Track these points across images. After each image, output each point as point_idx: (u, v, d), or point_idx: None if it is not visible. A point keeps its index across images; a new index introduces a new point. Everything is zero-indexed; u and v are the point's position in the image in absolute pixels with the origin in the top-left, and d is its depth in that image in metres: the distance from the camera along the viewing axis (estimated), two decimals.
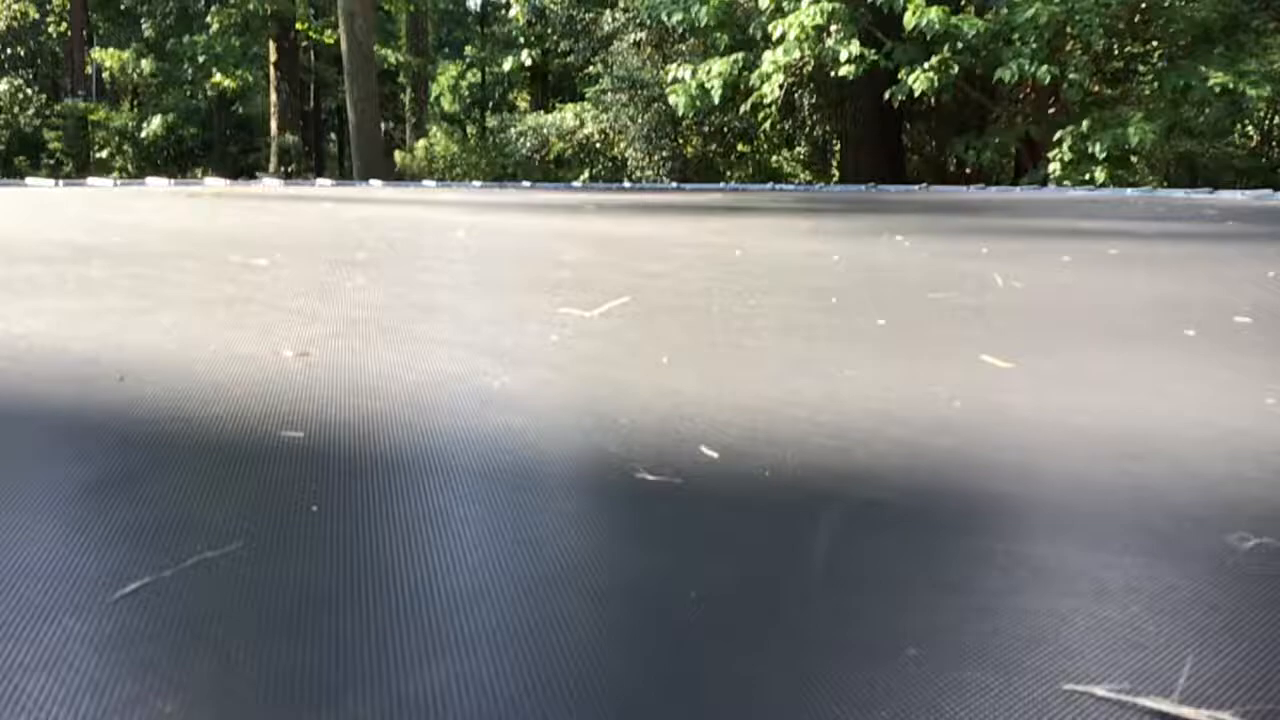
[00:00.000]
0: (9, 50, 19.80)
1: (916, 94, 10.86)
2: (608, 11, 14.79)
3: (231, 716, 0.70)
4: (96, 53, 19.01)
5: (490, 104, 21.97)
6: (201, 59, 17.64)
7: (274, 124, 18.13)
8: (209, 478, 1.18)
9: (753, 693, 0.76)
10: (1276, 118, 12.98)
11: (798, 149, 16.75)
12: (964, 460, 1.30)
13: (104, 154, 18.84)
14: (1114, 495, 1.18)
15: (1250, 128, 13.88)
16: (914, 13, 10.32)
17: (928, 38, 10.54)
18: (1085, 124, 10.27)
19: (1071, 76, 10.82)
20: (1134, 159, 11.26)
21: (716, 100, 11.79)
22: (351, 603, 0.87)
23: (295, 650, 0.79)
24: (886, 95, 11.16)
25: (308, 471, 1.21)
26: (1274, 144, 13.78)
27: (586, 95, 15.84)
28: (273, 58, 18.11)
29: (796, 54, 10.98)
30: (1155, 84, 11.01)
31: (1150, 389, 1.70)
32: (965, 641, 0.83)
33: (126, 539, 1.00)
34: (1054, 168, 10.64)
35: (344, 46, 13.91)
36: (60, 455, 1.26)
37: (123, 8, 20.30)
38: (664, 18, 12.02)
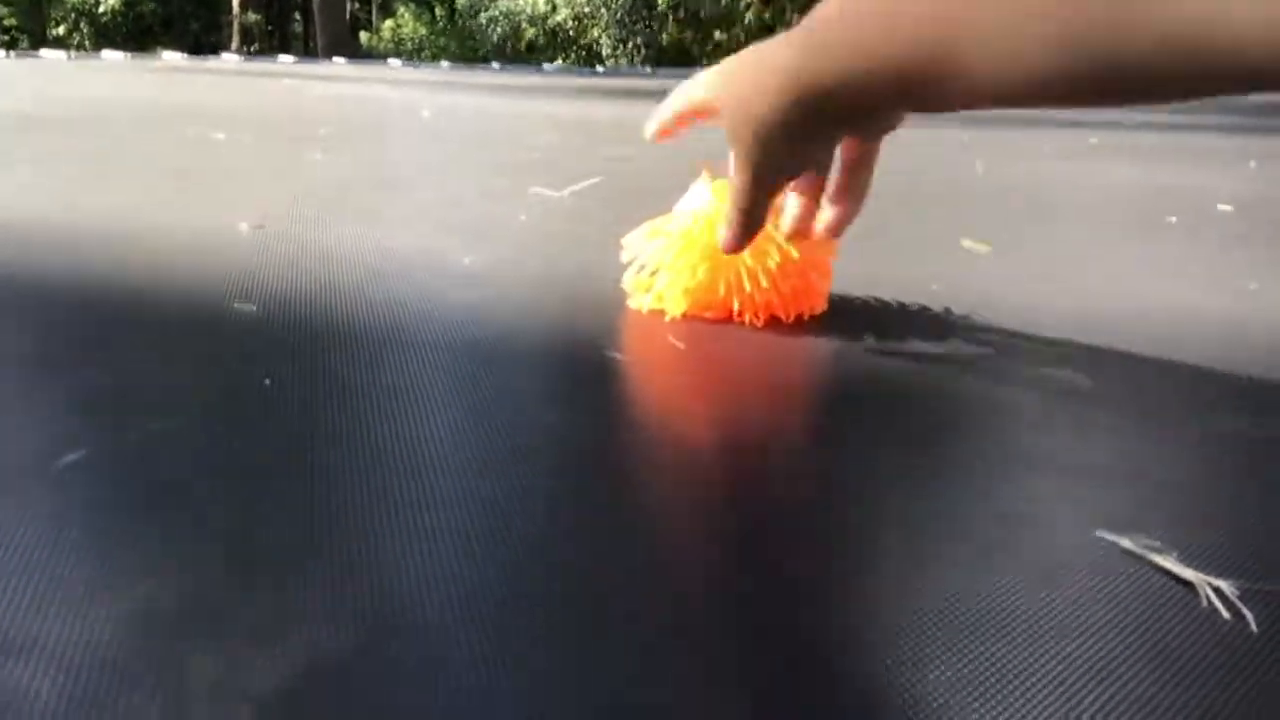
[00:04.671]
0: None
1: None
2: None
3: (174, 591, 0.66)
4: None
5: None
6: None
7: (236, 1, 17.52)
8: (156, 351, 1.12)
9: (723, 565, 0.73)
10: None
11: None
12: (942, 344, 1.26)
13: (60, 30, 18.19)
14: (1100, 379, 1.15)
15: None
16: None
17: None
18: None
19: None
20: None
21: None
22: (303, 475, 0.83)
23: (243, 523, 0.75)
24: None
25: (261, 345, 1.16)
26: None
27: None
28: None
29: None
30: None
31: (1133, 272, 1.67)
32: (942, 523, 0.81)
33: (68, 411, 0.94)
34: None
35: None
36: (2, 326, 1.20)
37: None
38: None
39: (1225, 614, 0.71)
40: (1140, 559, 0.77)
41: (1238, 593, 0.73)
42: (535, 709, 0.57)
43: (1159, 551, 0.78)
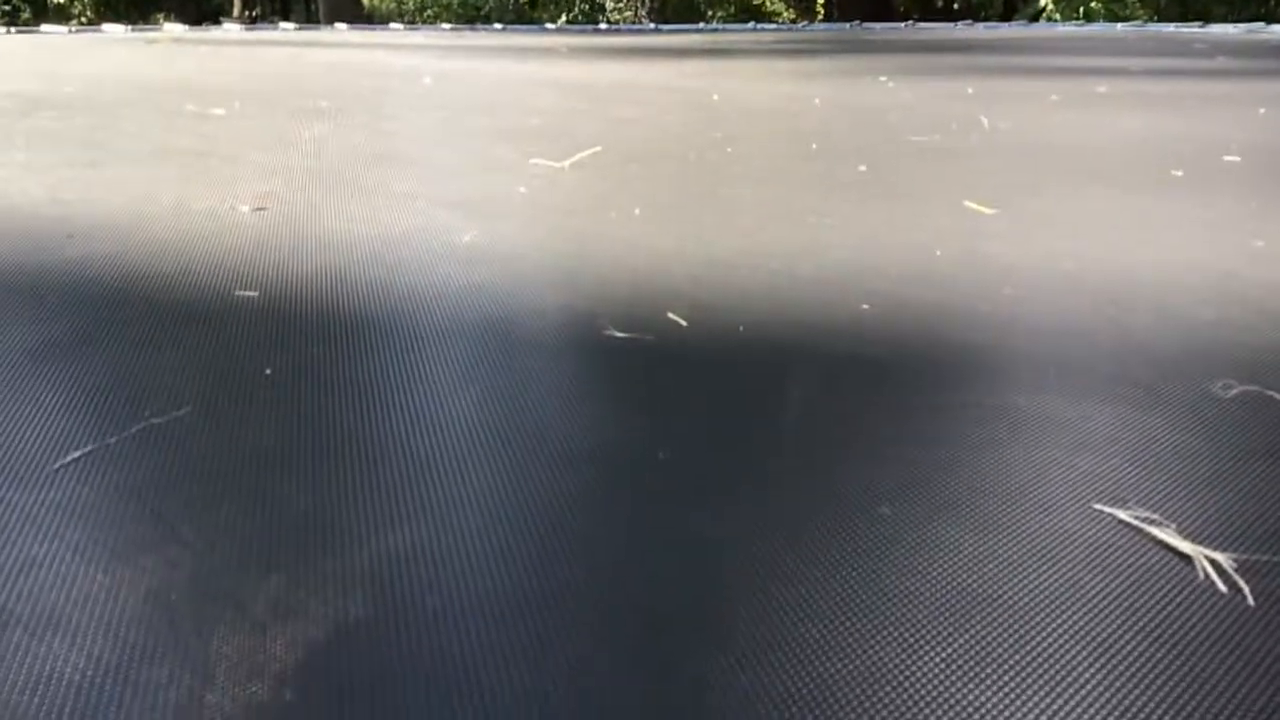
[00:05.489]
0: None
1: None
2: None
3: (175, 588, 0.67)
4: None
5: None
6: None
7: None
8: (158, 340, 1.13)
9: (720, 553, 0.73)
10: None
11: None
12: (945, 311, 1.26)
13: (62, 0, 18.05)
14: (1097, 344, 1.15)
15: None
16: None
17: None
18: None
19: None
20: None
21: None
22: (307, 469, 0.83)
23: (245, 518, 0.76)
24: None
25: (263, 332, 1.16)
26: None
27: None
28: None
29: None
30: None
31: (1136, 232, 1.66)
32: (939, 497, 0.81)
33: (70, 405, 0.95)
34: (1046, 2, 10.30)
35: None
36: (3, 318, 1.21)
37: None
38: None
39: (1222, 586, 0.72)
40: (1138, 531, 0.77)
41: (1235, 565, 0.73)
42: (535, 702, 0.58)
43: (1157, 524, 0.78)
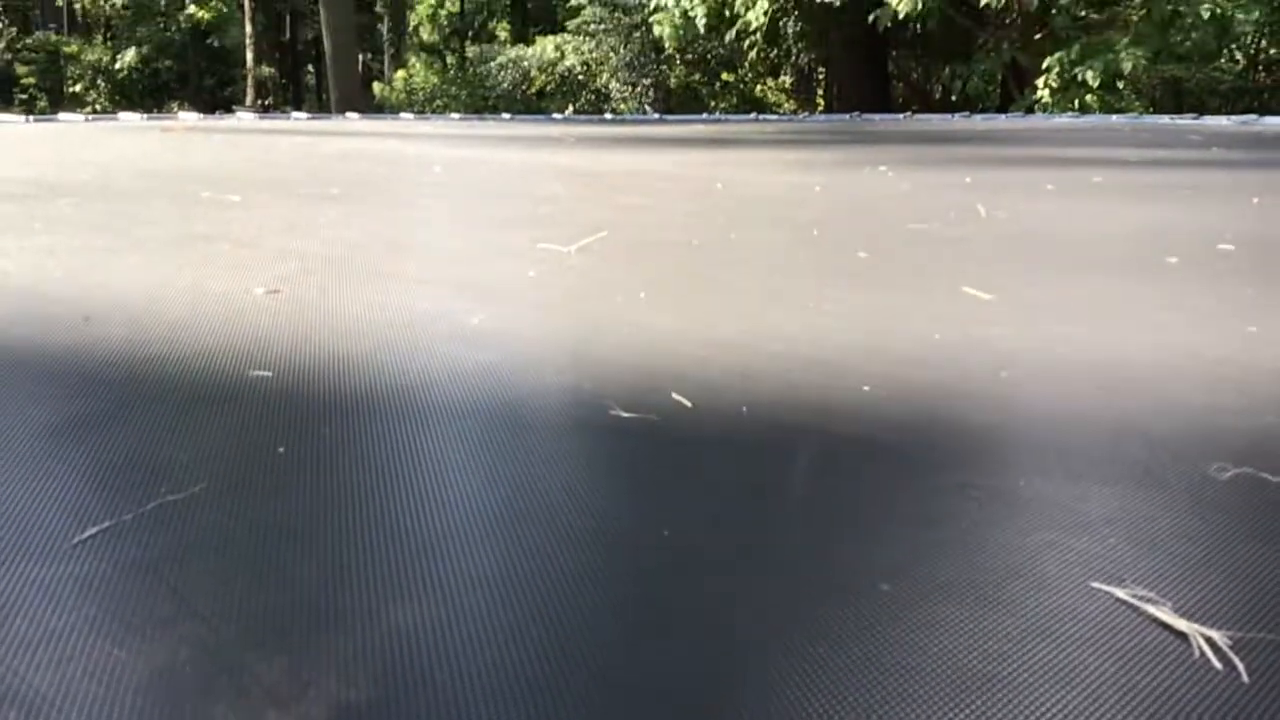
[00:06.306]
0: None
1: (901, 17, 10.68)
2: None
3: (189, 662, 0.69)
4: None
5: (470, 34, 21.56)
6: None
7: (250, 56, 17.79)
8: (173, 419, 1.16)
9: (725, 630, 0.75)
10: (1264, 41, 12.82)
11: (783, 78, 16.53)
12: (943, 393, 1.28)
13: (78, 88, 18.47)
14: (1094, 427, 1.17)
15: (1238, 52, 13.72)
16: None
17: None
18: (1075, 50, 10.13)
19: (1060, 1, 10.66)
20: (1120, 84, 11.13)
21: (701, 28, 11.60)
22: (318, 546, 0.85)
23: (258, 595, 0.77)
24: (871, 18, 10.97)
25: (276, 412, 1.19)
26: (1260, 68, 13.65)
27: (567, 27, 15.56)
28: None
29: None
30: (1144, 10, 10.84)
31: (1132, 319, 1.69)
32: (938, 576, 0.82)
33: (87, 483, 0.97)
34: (1042, 94, 10.52)
35: None
36: (22, 397, 1.24)
37: None
38: None
39: (1217, 664, 0.73)
40: (1135, 609, 0.78)
41: (1230, 643, 0.75)
42: None
43: (1153, 602, 0.80)
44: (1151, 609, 0.79)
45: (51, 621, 0.73)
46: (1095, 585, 0.81)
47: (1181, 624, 0.77)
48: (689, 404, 1.21)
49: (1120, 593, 0.81)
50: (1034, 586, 0.81)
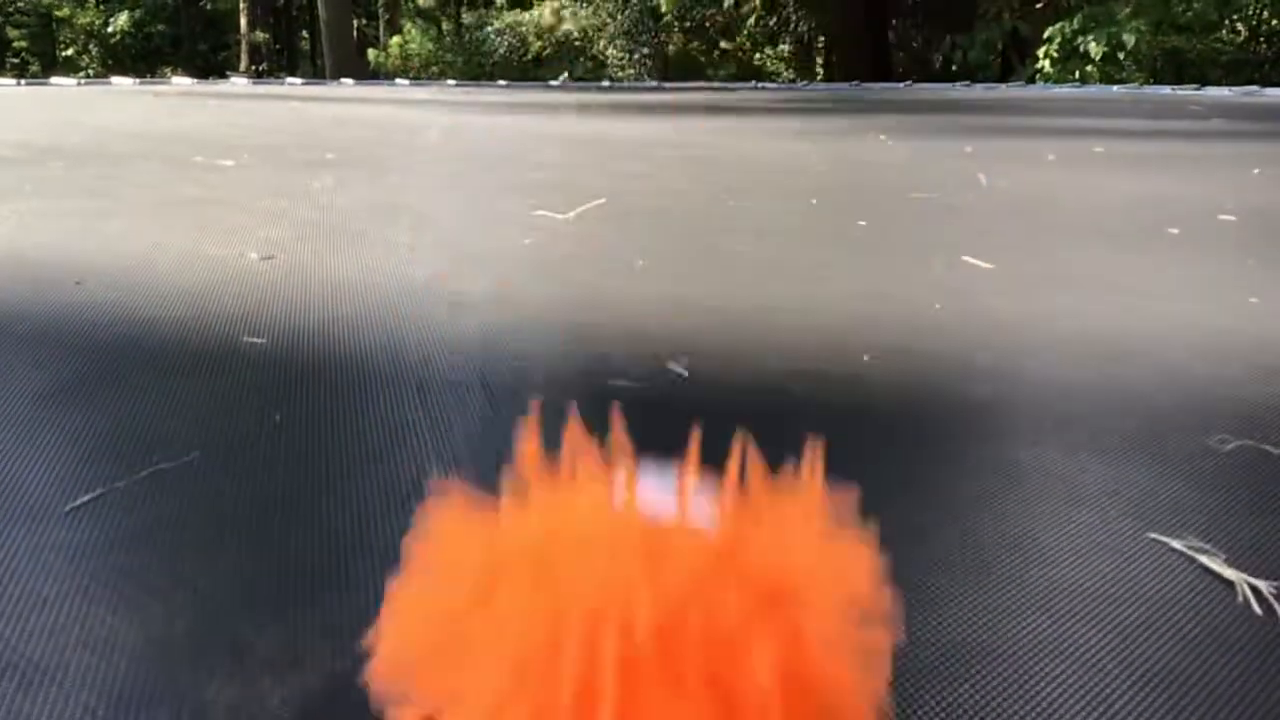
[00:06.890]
0: None
1: None
2: None
3: (183, 631, 0.68)
4: None
5: None
6: None
7: (244, 21, 17.61)
8: (167, 386, 1.15)
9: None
10: (1265, 11, 12.73)
11: (782, 46, 16.40)
12: (943, 363, 1.27)
13: (70, 52, 18.30)
14: (1094, 398, 1.16)
15: (1239, 23, 13.63)
16: None
17: None
18: (1077, 20, 10.05)
19: None
20: (1121, 55, 11.06)
21: None
22: (313, 514, 0.84)
23: (251, 563, 0.77)
24: None
25: (271, 378, 1.18)
26: (1261, 39, 13.57)
27: None
28: None
29: None
30: None
31: (1133, 289, 1.68)
32: (937, 547, 0.82)
33: (79, 449, 0.96)
34: (1043, 65, 10.44)
35: None
36: (13, 363, 1.22)
37: None
38: None
39: (1258, 609, 0.74)
40: (1135, 583, 0.78)
41: (1275, 591, 0.76)
42: None
43: (1206, 552, 0.81)
44: (1204, 559, 0.80)
45: (44, 589, 0.73)
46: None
47: (1230, 573, 0.77)
48: (685, 373, 1.20)
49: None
50: (1034, 559, 0.81)
